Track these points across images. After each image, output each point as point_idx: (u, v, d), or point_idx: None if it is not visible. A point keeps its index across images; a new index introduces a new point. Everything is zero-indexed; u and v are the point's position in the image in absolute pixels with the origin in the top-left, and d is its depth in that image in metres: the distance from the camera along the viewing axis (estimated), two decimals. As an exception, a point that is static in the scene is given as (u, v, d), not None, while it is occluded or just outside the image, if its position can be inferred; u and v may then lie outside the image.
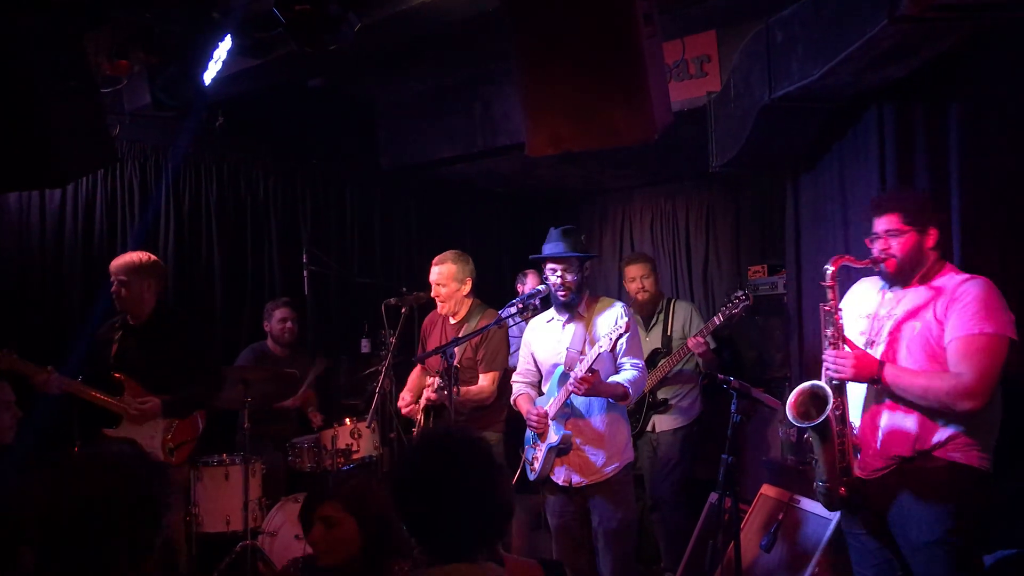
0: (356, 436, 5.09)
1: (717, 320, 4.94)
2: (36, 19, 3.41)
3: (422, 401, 4.59)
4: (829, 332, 3.18)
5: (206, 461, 4.88)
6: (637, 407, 5.18)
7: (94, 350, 4.46)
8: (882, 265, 3.18)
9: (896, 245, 3.13)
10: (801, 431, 3.31)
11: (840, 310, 3.20)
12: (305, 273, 5.90)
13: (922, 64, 3.50)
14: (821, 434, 3.10)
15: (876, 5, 3.03)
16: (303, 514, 2.91)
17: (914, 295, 3.13)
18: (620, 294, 7.19)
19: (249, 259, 6.29)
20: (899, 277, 3.17)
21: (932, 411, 3.00)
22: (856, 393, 3.21)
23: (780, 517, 4.03)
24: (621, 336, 3.67)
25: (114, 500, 1.86)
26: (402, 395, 4.87)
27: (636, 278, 5.40)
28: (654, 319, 5.38)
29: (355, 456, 5.10)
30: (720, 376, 4.11)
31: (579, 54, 2.78)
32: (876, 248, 3.17)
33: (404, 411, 4.81)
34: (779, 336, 5.32)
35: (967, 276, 3.07)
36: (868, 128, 4.03)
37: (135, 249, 4.62)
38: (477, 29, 4.55)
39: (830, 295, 3.19)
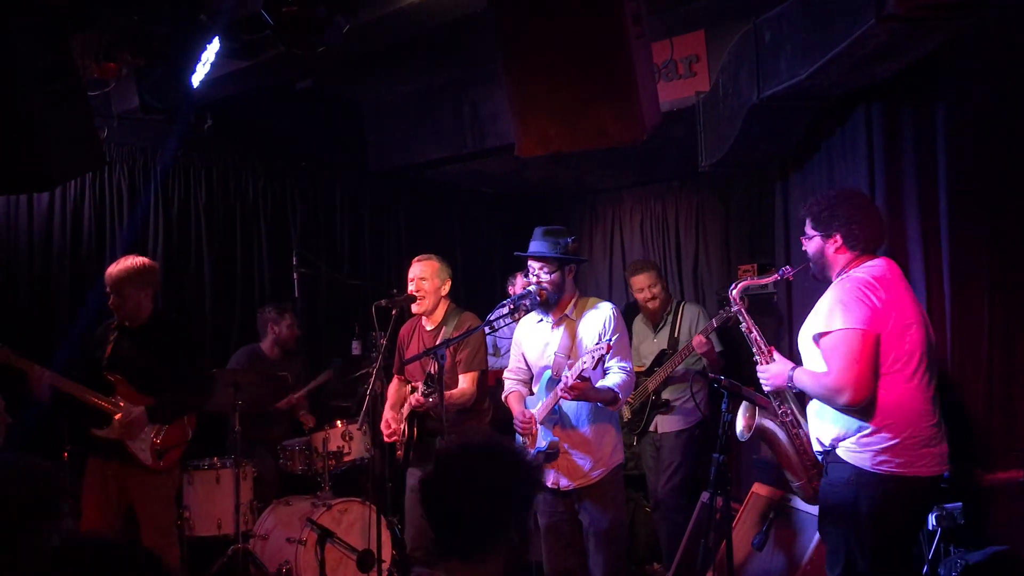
0: (347, 438, 5.09)
1: (715, 322, 4.91)
2: (22, 21, 3.39)
3: (405, 409, 4.55)
4: (754, 350, 3.38)
5: (197, 464, 4.86)
6: (641, 407, 5.20)
7: (87, 350, 4.40)
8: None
9: (808, 249, 3.27)
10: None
11: (752, 331, 3.39)
12: (295, 275, 5.86)
13: (910, 64, 3.51)
14: (766, 442, 3.25)
15: (863, 5, 3.04)
16: None
17: None
18: (611, 295, 7.21)
19: (239, 262, 6.27)
20: (820, 280, 3.29)
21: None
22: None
23: (772, 515, 4.04)
24: (604, 356, 3.67)
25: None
26: (385, 419, 4.62)
27: (644, 288, 5.42)
28: (662, 322, 5.40)
29: (346, 459, 5.09)
30: (711, 375, 4.12)
31: (567, 55, 2.78)
32: None
33: (388, 438, 4.56)
34: (769, 335, 5.32)
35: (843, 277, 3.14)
36: (856, 127, 4.04)
37: (124, 253, 4.55)
38: (465, 30, 4.55)
39: (740, 317, 3.42)
